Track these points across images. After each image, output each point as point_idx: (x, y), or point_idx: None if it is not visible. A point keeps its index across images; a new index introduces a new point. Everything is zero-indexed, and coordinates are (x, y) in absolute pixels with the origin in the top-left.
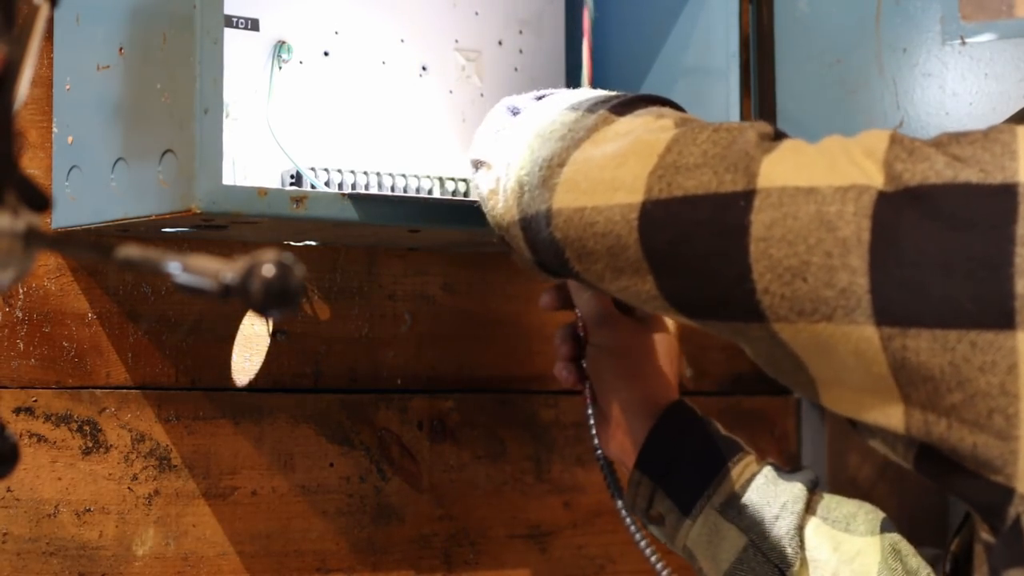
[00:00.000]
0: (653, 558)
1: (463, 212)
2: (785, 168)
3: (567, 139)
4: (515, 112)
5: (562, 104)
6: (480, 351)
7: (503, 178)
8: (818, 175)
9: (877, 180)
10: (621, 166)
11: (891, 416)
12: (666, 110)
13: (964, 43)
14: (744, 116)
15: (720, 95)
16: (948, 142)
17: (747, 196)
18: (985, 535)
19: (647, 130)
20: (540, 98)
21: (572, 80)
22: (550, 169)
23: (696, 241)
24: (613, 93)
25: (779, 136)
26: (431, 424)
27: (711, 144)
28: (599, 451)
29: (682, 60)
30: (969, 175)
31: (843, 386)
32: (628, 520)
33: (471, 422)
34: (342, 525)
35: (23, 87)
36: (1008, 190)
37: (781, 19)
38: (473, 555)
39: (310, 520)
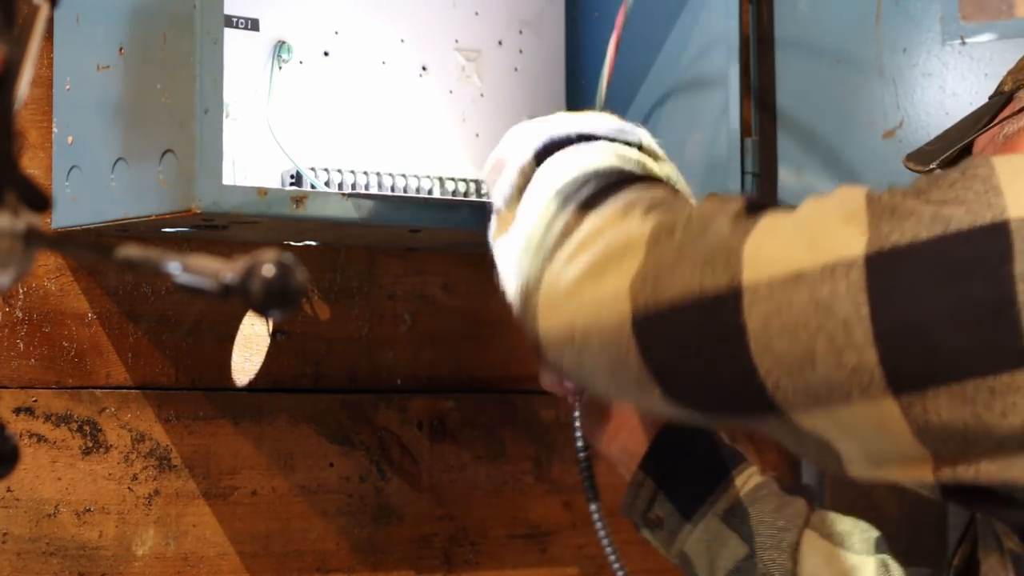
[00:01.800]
0: (616, 565)
1: (463, 212)
2: (767, 253)
3: (541, 251)
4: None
5: (550, 185)
6: (480, 351)
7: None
8: (801, 255)
9: (860, 246)
10: (599, 279)
11: (921, 473)
12: (634, 194)
13: (964, 43)
14: (744, 116)
15: (720, 95)
16: (927, 187)
17: (735, 294)
18: (1012, 545)
19: (616, 231)
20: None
21: (572, 80)
22: (528, 292)
23: (696, 350)
24: (596, 168)
25: (754, 208)
26: (431, 424)
27: (685, 235)
28: (582, 452)
29: (682, 60)
30: (959, 222)
31: (870, 458)
32: (600, 524)
33: (471, 422)
34: (342, 525)
35: (23, 87)
36: (999, 228)
37: (781, 19)
38: (473, 555)
39: (310, 520)
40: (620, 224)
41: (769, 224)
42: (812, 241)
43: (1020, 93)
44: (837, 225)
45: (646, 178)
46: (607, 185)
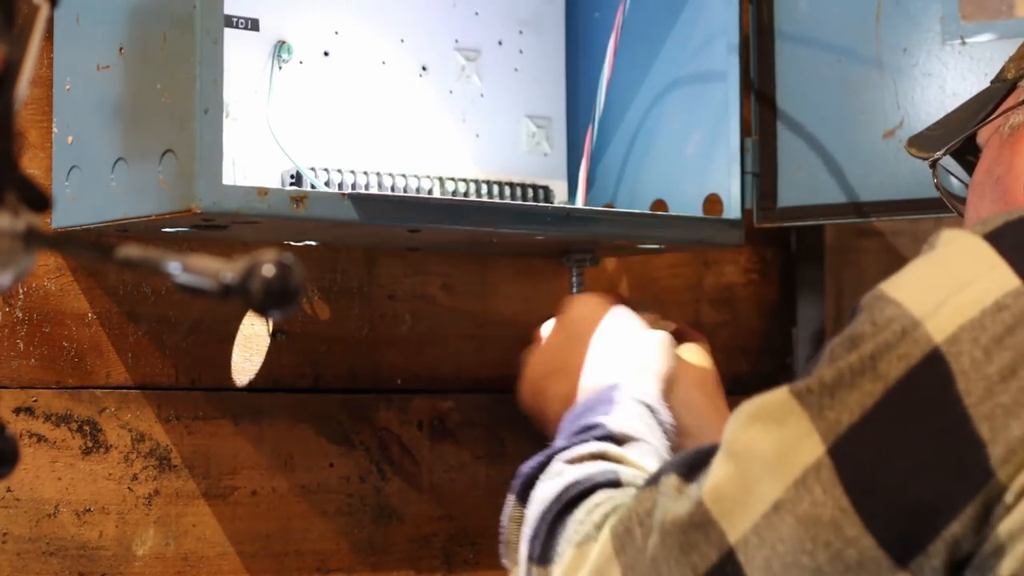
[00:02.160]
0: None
1: (463, 212)
2: (735, 506)
3: None
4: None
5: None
6: (480, 351)
7: None
8: (768, 488)
9: (818, 445)
10: None
11: None
12: (585, 528)
13: (964, 43)
14: (744, 115)
15: (720, 94)
16: (843, 351)
17: (730, 557)
18: None
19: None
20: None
21: (572, 79)
22: None
23: None
24: (556, 492)
25: (686, 472)
26: (431, 424)
27: (657, 547)
28: None
29: (682, 59)
30: (896, 371)
31: None
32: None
33: (471, 422)
34: (342, 525)
35: (23, 87)
36: (932, 357)
37: (781, 18)
38: (473, 555)
39: (310, 520)
40: (583, 568)
41: (715, 482)
42: (768, 469)
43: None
44: (777, 440)
45: (587, 491)
46: (551, 524)
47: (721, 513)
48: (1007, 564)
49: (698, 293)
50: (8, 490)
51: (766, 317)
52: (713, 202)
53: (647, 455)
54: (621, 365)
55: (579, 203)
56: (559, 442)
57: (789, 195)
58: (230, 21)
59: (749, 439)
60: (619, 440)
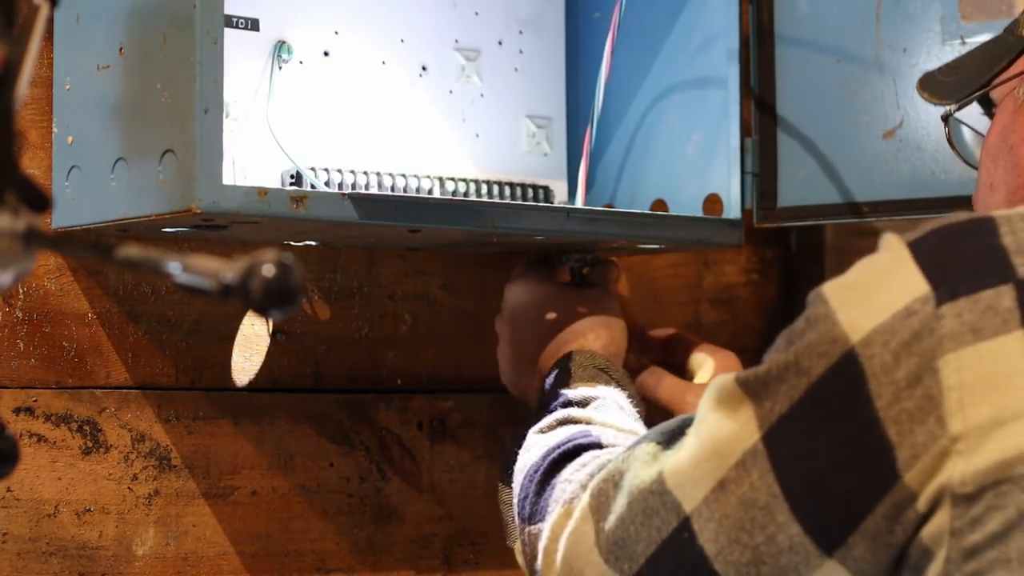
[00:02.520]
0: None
1: (463, 212)
2: (689, 479)
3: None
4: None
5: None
6: (480, 351)
7: None
8: (715, 466)
9: (755, 430)
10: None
11: None
12: (572, 487)
13: (964, 43)
14: (744, 116)
15: (720, 95)
16: (785, 346)
17: (686, 523)
18: None
19: (566, 542)
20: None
21: (572, 80)
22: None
23: None
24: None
25: (666, 441)
26: (431, 424)
27: (624, 508)
28: None
29: (682, 60)
30: (817, 368)
31: None
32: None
33: (471, 422)
34: (342, 525)
35: (23, 87)
36: (848, 357)
37: (781, 18)
38: (473, 555)
39: (310, 520)
40: (564, 530)
41: (678, 456)
42: (716, 449)
43: None
44: (728, 423)
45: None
46: (540, 485)
47: (676, 485)
48: (932, 571)
49: (698, 293)
50: (8, 490)
51: (766, 317)
52: (713, 202)
53: (609, 410)
54: (569, 337)
55: (579, 203)
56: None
57: (789, 195)
58: (230, 21)
59: (711, 421)
60: (580, 403)
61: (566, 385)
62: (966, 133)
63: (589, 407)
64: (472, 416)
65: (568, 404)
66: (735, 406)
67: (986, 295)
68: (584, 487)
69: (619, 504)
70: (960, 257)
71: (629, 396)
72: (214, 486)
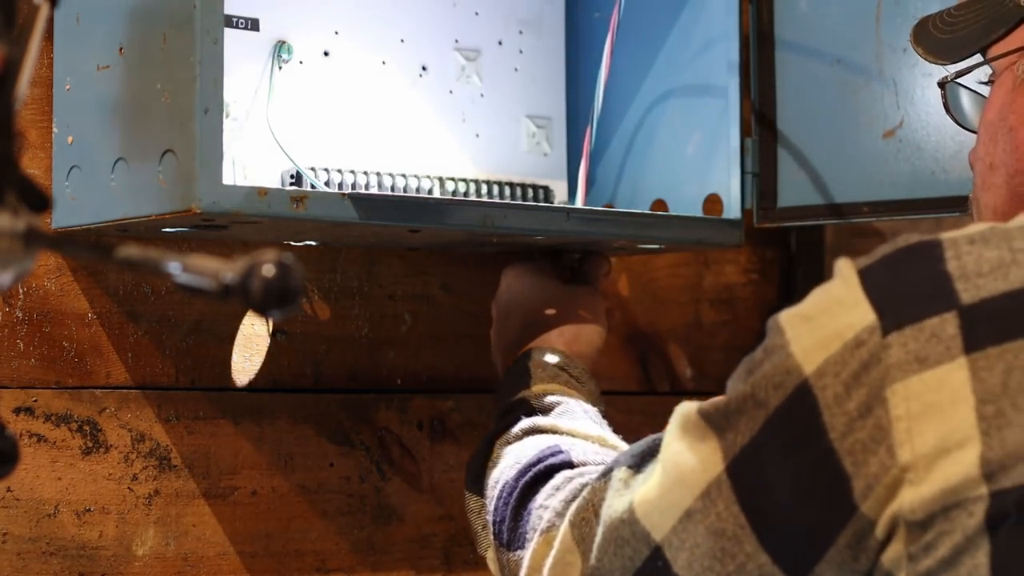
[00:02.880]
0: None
1: (463, 212)
2: (657, 507)
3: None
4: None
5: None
6: (480, 351)
7: None
8: (682, 496)
9: (719, 461)
10: None
11: None
12: (547, 515)
13: None
14: (744, 116)
15: (720, 95)
16: (744, 374)
17: (658, 552)
18: None
19: (550, 574)
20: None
21: (572, 80)
22: None
23: None
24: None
25: (636, 465)
26: (431, 424)
27: (599, 539)
28: None
29: (682, 60)
30: (775, 400)
31: None
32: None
33: (471, 422)
34: (342, 525)
35: (23, 87)
36: (802, 389)
37: (781, 19)
38: (473, 555)
39: (310, 520)
40: (547, 553)
41: (645, 486)
42: (681, 478)
43: None
44: (692, 453)
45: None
46: (515, 510)
47: (644, 515)
48: None
49: (698, 293)
50: (8, 490)
51: (766, 317)
52: (713, 202)
53: (575, 416)
54: (536, 331)
55: (579, 203)
56: (493, 427)
57: (789, 195)
58: (230, 21)
59: (676, 450)
60: (543, 410)
61: (526, 385)
62: (962, 94)
63: (552, 413)
64: (472, 416)
65: (532, 412)
66: (700, 436)
67: (930, 323)
68: (560, 515)
69: (597, 534)
70: (906, 284)
71: (589, 394)
72: (214, 486)
